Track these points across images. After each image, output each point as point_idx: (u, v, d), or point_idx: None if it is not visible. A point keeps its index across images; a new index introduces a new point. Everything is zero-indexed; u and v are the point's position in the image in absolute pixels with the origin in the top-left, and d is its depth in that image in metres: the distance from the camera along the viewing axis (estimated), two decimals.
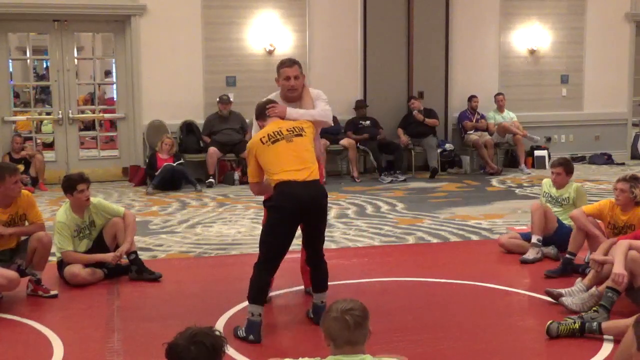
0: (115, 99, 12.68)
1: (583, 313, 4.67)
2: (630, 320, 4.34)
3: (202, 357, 2.59)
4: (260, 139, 4.61)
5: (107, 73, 14.84)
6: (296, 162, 4.54)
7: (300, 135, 4.65)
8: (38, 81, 16.01)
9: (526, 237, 6.52)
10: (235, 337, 4.46)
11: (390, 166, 11.49)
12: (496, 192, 10.22)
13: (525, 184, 10.76)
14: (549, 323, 4.49)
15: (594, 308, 4.65)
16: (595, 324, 4.43)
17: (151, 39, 11.03)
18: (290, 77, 5.00)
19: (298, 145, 4.61)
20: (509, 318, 4.98)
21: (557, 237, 6.32)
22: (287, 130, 4.63)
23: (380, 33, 11.88)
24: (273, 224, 4.54)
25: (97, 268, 5.77)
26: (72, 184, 5.69)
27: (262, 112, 4.82)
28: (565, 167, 6.42)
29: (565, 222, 6.31)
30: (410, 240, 7.29)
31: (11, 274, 5.13)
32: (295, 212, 4.47)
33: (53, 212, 8.02)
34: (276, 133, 4.61)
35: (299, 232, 4.67)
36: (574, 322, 4.48)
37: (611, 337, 4.36)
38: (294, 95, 5.04)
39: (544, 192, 6.62)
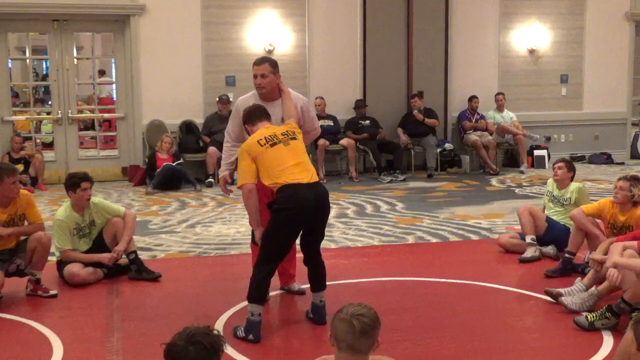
0: (111, 98, 12.67)
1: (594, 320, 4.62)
2: None
3: (201, 357, 2.58)
4: (258, 141, 4.57)
5: (102, 73, 14.82)
6: (297, 164, 4.54)
7: (295, 138, 4.67)
8: (37, 81, 16.01)
9: (524, 237, 6.52)
10: (234, 337, 4.45)
11: (390, 166, 11.49)
12: (496, 191, 10.22)
13: (524, 184, 10.76)
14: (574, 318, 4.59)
15: (607, 315, 4.57)
16: (619, 300, 4.49)
17: (150, 39, 11.03)
18: (257, 75, 4.94)
19: (295, 148, 4.61)
20: (508, 318, 4.97)
21: (552, 236, 6.35)
22: (282, 134, 4.63)
23: (380, 33, 11.88)
24: (278, 225, 4.47)
25: (97, 268, 5.78)
26: (77, 182, 5.72)
27: (252, 117, 4.76)
28: (567, 163, 6.50)
29: (565, 222, 6.31)
30: (410, 239, 7.29)
31: None
32: (301, 214, 4.45)
33: (52, 212, 8.02)
34: (272, 137, 4.59)
35: None
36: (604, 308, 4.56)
37: (611, 337, 4.38)
38: (263, 93, 5.00)
39: (547, 191, 6.64)
